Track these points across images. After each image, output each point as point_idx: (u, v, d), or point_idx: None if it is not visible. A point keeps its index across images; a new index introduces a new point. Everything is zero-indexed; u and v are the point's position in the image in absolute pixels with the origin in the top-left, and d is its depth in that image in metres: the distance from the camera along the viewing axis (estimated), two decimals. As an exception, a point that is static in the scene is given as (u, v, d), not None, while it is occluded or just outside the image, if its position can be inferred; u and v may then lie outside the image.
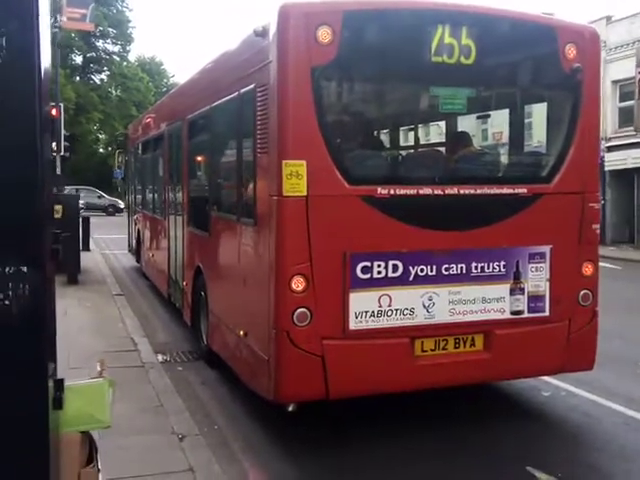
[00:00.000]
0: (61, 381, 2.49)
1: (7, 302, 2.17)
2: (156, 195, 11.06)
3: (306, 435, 5.34)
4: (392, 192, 5.04)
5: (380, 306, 5.00)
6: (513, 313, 5.36)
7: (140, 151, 12.97)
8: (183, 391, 6.41)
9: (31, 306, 2.18)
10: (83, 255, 12.94)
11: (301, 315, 4.84)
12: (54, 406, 2.43)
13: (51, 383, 2.39)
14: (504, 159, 6.45)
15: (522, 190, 5.37)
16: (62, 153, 17.78)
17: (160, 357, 7.56)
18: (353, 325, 4.97)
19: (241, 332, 5.74)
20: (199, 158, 8.18)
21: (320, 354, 4.96)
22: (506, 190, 5.34)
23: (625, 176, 21.96)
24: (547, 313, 5.44)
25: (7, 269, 2.17)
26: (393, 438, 5.29)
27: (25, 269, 2.19)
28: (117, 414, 4.92)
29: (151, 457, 4.83)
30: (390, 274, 5.01)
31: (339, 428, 5.45)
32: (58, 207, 11.44)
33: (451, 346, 5.27)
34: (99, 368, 2.80)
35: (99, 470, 2.65)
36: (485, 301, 5.27)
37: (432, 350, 5.24)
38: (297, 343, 4.89)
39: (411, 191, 5.12)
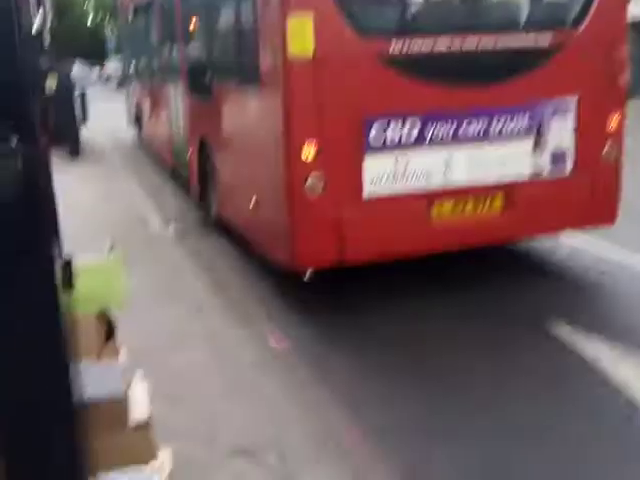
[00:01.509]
0: (69, 261, 2.35)
1: (-1, 179, 1.98)
2: (153, 62, 10.55)
3: (322, 301, 5.32)
4: (407, 45, 4.68)
5: (396, 170, 4.80)
6: (534, 171, 5.15)
7: (133, 16, 12.27)
8: (196, 261, 6.36)
9: (26, 182, 1.99)
10: (83, 129, 12.61)
11: (314, 183, 4.65)
12: (64, 287, 2.30)
13: (59, 263, 2.25)
14: (528, 4, 5.96)
15: (548, 37, 4.98)
16: (49, 22, 16.90)
17: (171, 229, 7.48)
18: (368, 191, 4.79)
19: (253, 201, 5.58)
20: (197, 18, 7.66)
21: (335, 221, 4.83)
22: (530, 38, 4.96)
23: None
24: (569, 169, 5.25)
25: (-5, 142, 1.96)
26: (407, 300, 5.26)
27: (14, 142, 1.98)
28: (131, 287, 4.95)
29: (169, 328, 4.83)
30: (406, 136, 4.77)
31: (354, 295, 5.41)
32: (52, 79, 10.99)
33: (469, 208, 5.12)
34: (109, 245, 2.65)
35: (119, 347, 2.57)
36: (505, 161, 5.05)
37: (450, 213, 5.10)
38: (311, 211, 4.74)
39: (427, 43, 4.75)
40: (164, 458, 2.90)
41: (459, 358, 4.45)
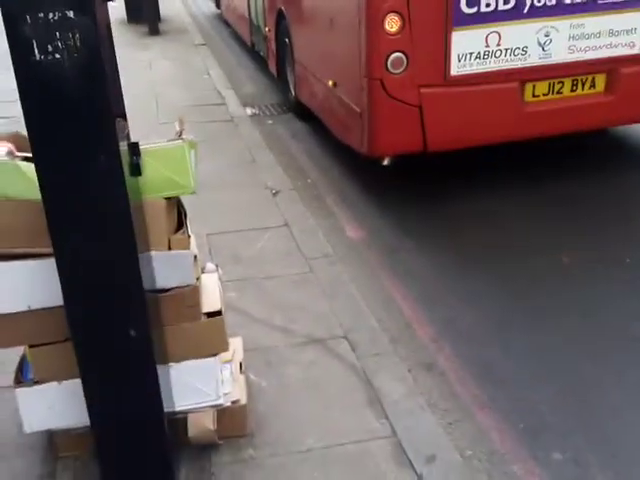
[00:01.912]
0: (136, 144, 2.23)
1: (57, 55, 1.84)
2: None
3: (400, 190, 5.11)
4: None
5: (487, 46, 4.38)
6: (643, 47, 4.61)
7: None
8: (274, 145, 6.21)
9: (85, 57, 1.84)
10: (161, 2, 12.29)
11: (396, 60, 4.32)
12: (132, 172, 2.20)
13: (125, 147, 2.14)
14: None
15: None
16: None
17: (249, 110, 7.30)
18: (455, 69, 4.42)
19: (330, 82, 5.30)
20: None
21: (418, 104, 4.52)
22: None
23: None
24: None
25: (50, 16, 1.81)
26: (490, 190, 4.97)
27: (71, 14, 1.82)
28: (209, 170, 4.90)
29: (246, 212, 4.77)
30: (501, 6, 4.31)
31: (435, 184, 5.16)
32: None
33: (567, 89, 4.67)
34: (178, 128, 2.50)
35: (189, 236, 2.49)
36: (612, 34, 4.52)
37: (545, 95, 4.68)
38: (392, 93, 4.43)
39: None
40: (236, 346, 2.88)
41: (546, 250, 4.21)
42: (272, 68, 7.79)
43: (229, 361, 2.78)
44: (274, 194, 5.06)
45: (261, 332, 3.38)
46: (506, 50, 4.41)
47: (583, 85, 4.66)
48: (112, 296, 2.17)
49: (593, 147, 5.64)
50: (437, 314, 3.68)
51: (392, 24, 4.21)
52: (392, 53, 4.28)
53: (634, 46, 4.60)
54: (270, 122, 6.99)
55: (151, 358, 2.27)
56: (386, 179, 5.23)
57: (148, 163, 2.28)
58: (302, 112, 6.70)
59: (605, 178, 5.09)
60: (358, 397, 2.92)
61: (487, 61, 4.42)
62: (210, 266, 2.85)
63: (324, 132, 5.95)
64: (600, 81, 4.68)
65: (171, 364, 2.47)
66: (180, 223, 2.51)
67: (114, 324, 2.22)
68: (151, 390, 2.30)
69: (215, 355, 2.54)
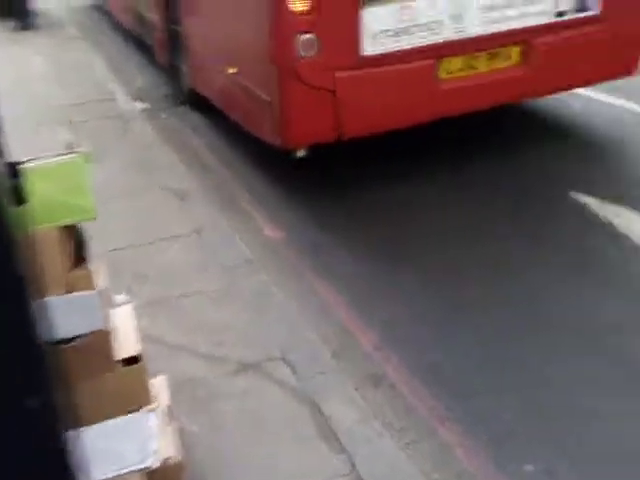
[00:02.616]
0: (15, 164, 1.76)
1: None
2: None
3: (313, 181, 4.76)
4: None
5: (401, 22, 4.09)
6: (557, 15, 4.46)
7: None
8: (172, 141, 5.70)
9: None
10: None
11: (307, 43, 3.94)
12: (12, 201, 1.72)
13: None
14: None
15: None
16: None
17: (140, 105, 6.71)
18: (369, 49, 4.10)
19: (232, 70, 4.86)
20: None
21: (331, 88, 4.18)
22: None
23: None
24: (597, 11, 4.55)
25: None
26: (410, 173, 4.72)
27: None
28: (100, 176, 4.34)
29: (150, 221, 4.30)
30: (412, -22, 4.02)
31: (349, 173, 4.83)
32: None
33: (482, 64, 4.46)
34: (67, 137, 2.04)
35: (93, 269, 2.04)
36: (524, 4, 4.34)
37: (460, 70, 4.44)
38: (303, 78, 4.06)
39: None
40: (159, 388, 2.46)
41: (466, 236, 3.99)
42: (162, 58, 7.21)
43: (154, 410, 2.36)
44: (180, 196, 4.59)
45: (184, 363, 2.96)
46: (420, 25, 4.13)
47: (499, 58, 4.46)
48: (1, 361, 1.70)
49: (509, 123, 5.49)
50: (374, 317, 3.37)
51: (300, 3, 3.83)
52: (302, 35, 3.90)
53: (547, 14, 4.44)
54: (164, 116, 6.45)
55: (57, 427, 1.82)
56: (298, 170, 4.86)
57: (35, 185, 1.81)
58: (199, 103, 6.20)
59: (524, 152, 4.94)
60: (307, 429, 2.57)
61: (401, 38, 4.13)
62: (121, 298, 2.40)
63: (226, 124, 5.50)
64: (515, 54, 4.50)
65: (83, 428, 2.01)
66: (80, 252, 2.06)
67: (11, 390, 1.75)
68: (60, 466, 1.85)
69: (137, 410, 2.11)
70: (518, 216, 4.19)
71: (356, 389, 2.85)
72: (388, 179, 4.68)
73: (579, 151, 5.02)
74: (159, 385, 2.51)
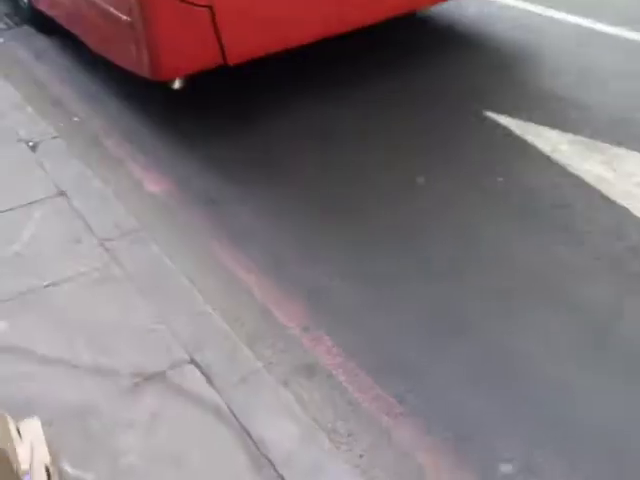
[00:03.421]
0: None
1: None
2: None
3: (198, 118, 4.03)
4: None
5: None
6: None
7: None
8: (13, 73, 4.73)
9: None
10: None
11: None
12: None
13: None
14: None
15: None
16: None
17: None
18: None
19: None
20: None
21: (207, 3, 3.43)
22: None
23: None
24: None
25: None
26: (306, 98, 4.08)
27: None
28: None
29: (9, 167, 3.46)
30: None
31: (239, 105, 4.12)
32: None
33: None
34: None
35: None
36: None
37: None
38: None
39: None
40: (31, 437, 1.85)
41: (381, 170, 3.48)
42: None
43: (27, 472, 1.75)
44: (32, 147, 3.74)
45: (63, 383, 2.29)
46: None
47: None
48: None
49: (403, 37, 4.90)
50: (292, 285, 2.82)
51: None
52: None
53: None
54: (1, 40, 5.36)
55: None
56: (178, 104, 4.10)
57: None
58: (43, 23, 5.16)
59: (425, 66, 4.41)
60: (237, 461, 2.02)
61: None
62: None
63: (79, 46, 4.55)
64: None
65: None
66: None
67: None
68: None
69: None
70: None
71: (285, 385, 2.33)
72: (282, 109, 4.03)
73: (475, 57, 4.55)
74: (31, 431, 1.88)
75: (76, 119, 4.17)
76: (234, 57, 3.67)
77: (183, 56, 3.57)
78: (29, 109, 4.14)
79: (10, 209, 3.22)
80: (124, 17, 3.57)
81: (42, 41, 5.25)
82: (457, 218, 3.11)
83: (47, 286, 2.73)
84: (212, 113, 4.04)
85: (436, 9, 5.02)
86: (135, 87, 4.15)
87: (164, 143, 3.88)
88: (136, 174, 3.61)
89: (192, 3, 3.43)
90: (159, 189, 3.47)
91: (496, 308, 2.64)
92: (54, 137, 3.84)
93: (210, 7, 3.46)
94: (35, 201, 3.27)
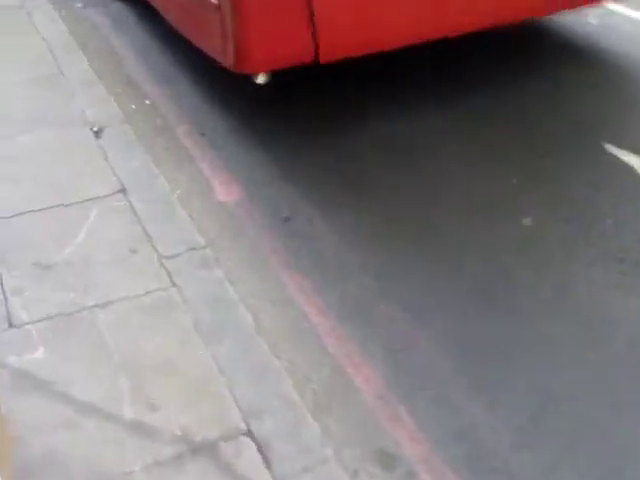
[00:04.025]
0: None
1: None
2: None
3: (279, 118, 3.61)
4: None
5: None
6: None
7: None
8: (89, 43, 4.45)
9: None
10: None
11: None
12: None
13: None
14: None
15: None
16: None
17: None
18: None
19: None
20: None
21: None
22: None
23: None
24: None
25: None
26: (401, 106, 3.63)
27: None
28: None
29: (52, 173, 3.13)
30: None
31: (328, 109, 3.69)
32: None
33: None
34: None
35: None
36: None
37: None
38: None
39: None
40: None
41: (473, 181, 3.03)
42: None
43: None
44: (96, 132, 3.40)
45: (94, 439, 1.94)
46: None
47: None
48: None
49: (519, 45, 4.36)
50: (372, 339, 2.40)
51: None
52: None
53: None
54: (80, 5, 5.06)
55: None
56: (260, 100, 3.69)
57: None
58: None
59: (538, 81, 3.89)
60: None
61: None
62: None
63: (159, 17, 4.18)
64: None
65: None
66: None
67: None
68: None
69: None
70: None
71: (355, 476, 1.94)
72: (376, 118, 3.58)
73: (597, 77, 4.01)
74: None
75: (147, 102, 3.82)
76: (327, 54, 3.24)
77: (272, 49, 3.17)
78: (101, 87, 3.82)
79: (66, 204, 2.89)
80: (213, 0, 3.18)
81: (120, 8, 4.93)
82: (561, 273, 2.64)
83: (93, 307, 2.39)
84: (296, 114, 3.63)
85: (554, 19, 4.46)
86: (216, 74, 3.76)
87: (239, 140, 3.50)
88: (205, 174, 3.24)
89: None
90: (229, 198, 3.08)
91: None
92: (122, 122, 3.51)
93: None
94: (93, 198, 2.93)
